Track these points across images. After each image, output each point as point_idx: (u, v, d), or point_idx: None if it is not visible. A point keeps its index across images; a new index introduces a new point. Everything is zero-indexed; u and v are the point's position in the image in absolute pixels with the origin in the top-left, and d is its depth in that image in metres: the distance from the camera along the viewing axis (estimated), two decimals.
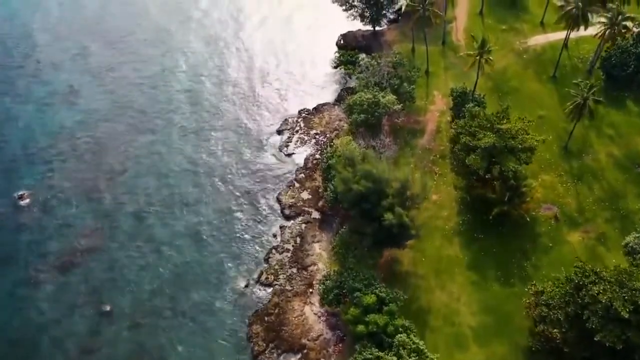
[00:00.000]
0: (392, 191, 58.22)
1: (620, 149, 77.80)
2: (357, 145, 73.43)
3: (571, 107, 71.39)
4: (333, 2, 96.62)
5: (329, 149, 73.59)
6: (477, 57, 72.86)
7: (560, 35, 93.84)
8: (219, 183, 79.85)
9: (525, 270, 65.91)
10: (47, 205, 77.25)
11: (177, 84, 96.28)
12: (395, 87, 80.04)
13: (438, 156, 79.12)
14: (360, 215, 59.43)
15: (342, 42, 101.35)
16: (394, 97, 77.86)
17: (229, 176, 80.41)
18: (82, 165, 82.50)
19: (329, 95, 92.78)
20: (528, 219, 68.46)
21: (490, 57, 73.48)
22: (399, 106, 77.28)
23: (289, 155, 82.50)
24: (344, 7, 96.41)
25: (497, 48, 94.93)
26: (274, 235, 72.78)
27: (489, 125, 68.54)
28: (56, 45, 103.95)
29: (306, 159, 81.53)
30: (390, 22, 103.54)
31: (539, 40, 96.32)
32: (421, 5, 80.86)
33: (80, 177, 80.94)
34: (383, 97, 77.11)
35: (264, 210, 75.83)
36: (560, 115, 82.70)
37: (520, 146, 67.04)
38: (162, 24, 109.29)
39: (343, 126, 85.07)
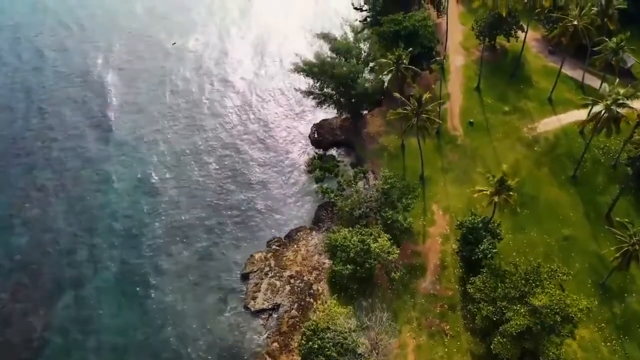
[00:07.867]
0: None
1: None
2: (344, 311, 56.31)
3: (618, 255, 55.62)
4: (304, 97, 78.75)
5: (307, 325, 55.72)
6: (495, 198, 56.11)
7: (574, 115, 79.37)
8: None
9: None
10: None
11: (108, 208, 75.93)
12: (388, 220, 62.93)
13: (446, 306, 62.47)
14: None
15: (315, 135, 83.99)
16: (388, 238, 60.81)
17: (176, 355, 60.91)
18: None
19: (303, 214, 74.37)
20: None
21: (511, 193, 56.91)
22: (396, 254, 60.17)
23: (258, 313, 63.83)
24: (317, 100, 78.65)
25: (501, 136, 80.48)
26: None
27: (517, 295, 52.31)
28: None
29: (280, 318, 63.29)
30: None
31: (549, 124, 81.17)
32: (415, 113, 63.79)
33: None
34: (374, 240, 60.10)
35: None
36: (588, 234, 68.05)
37: (559, 318, 51.26)
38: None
39: (324, 263, 67.50)
